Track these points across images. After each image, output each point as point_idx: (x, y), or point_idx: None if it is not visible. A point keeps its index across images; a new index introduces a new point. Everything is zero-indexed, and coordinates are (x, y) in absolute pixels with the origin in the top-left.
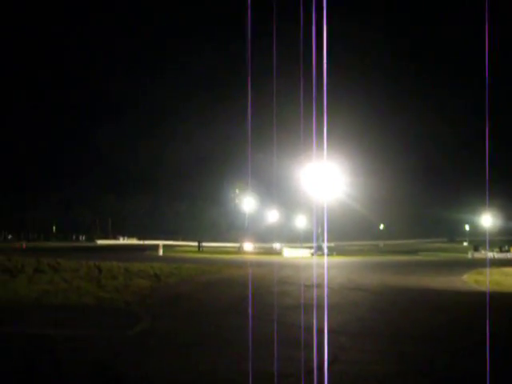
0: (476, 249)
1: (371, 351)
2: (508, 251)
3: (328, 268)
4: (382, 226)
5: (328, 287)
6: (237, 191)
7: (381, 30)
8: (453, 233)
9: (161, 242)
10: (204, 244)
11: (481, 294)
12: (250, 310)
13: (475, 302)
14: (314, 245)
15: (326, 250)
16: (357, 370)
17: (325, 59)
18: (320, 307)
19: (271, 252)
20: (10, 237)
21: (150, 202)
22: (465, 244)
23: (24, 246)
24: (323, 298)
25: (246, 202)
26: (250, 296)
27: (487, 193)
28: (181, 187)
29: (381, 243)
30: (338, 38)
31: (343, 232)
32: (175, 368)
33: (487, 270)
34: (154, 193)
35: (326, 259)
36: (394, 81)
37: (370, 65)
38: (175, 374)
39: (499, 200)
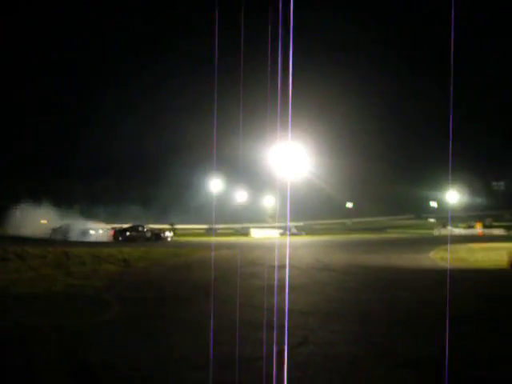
0: (444, 225)
1: (340, 332)
2: (473, 227)
3: (296, 248)
4: (350, 205)
5: (296, 267)
6: (206, 174)
7: (342, 4)
8: (420, 210)
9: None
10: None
11: (446, 271)
12: (218, 293)
13: (441, 279)
14: (283, 225)
15: (290, 231)
16: (326, 351)
17: (291, 39)
18: (289, 288)
19: (240, 233)
20: None
21: (116, 189)
22: (431, 221)
23: None
24: (292, 278)
25: (214, 184)
26: (218, 278)
27: (450, 169)
28: (148, 173)
29: (349, 221)
30: (304, 17)
31: (311, 211)
32: (140, 354)
33: (452, 247)
34: (120, 179)
35: (288, 239)
36: (359, 58)
37: (337, 43)
38: (139, 361)
39: (466, 175)
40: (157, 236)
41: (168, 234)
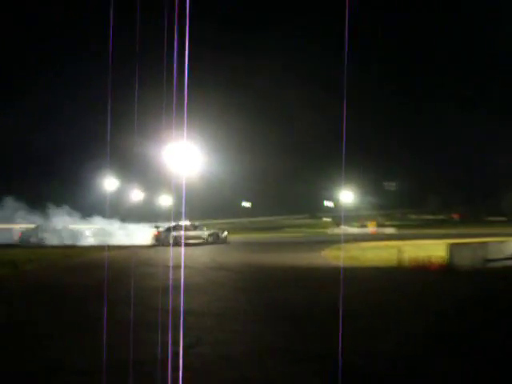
0: (337, 224)
1: (235, 331)
2: (366, 226)
3: (191, 248)
4: (247, 204)
5: (191, 267)
6: (100, 172)
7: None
8: (315, 209)
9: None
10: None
11: (338, 269)
12: (111, 295)
13: (333, 277)
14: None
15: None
16: (220, 351)
17: (187, 40)
18: (183, 288)
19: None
20: None
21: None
22: (326, 220)
23: None
24: (186, 278)
25: (109, 183)
26: (111, 279)
27: (343, 169)
28: (38, 171)
29: (245, 220)
30: (199, 15)
31: (208, 211)
32: (24, 361)
33: (345, 246)
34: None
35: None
36: (253, 56)
37: (232, 39)
38: (22, 367)
39: (359, 176)
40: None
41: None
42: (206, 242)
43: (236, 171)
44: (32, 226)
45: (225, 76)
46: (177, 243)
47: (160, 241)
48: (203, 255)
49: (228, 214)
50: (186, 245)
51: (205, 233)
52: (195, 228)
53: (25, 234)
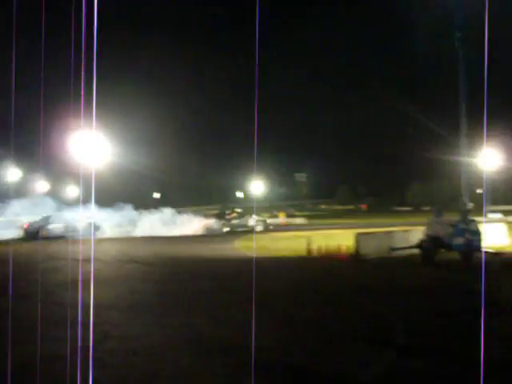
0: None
1: (144, 324)
2: (277, 217)
3: (101, 240)
4: (157, 195)
5: (101, 261)
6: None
7: None
8: (227, 200)
9: None
10: None
11: (249, 260)
12: (17, 291)
13: (244, 267)
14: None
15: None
16: (129, 345)
17: (95, 28)
18: (92, 282)
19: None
20: None
21: None
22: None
23: None
24: (95, 272)
25: (10, 173)
26: (15, 274)
27: (254, 159)
28: None
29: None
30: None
31: (117, 202)
32: None
33: (256, 236)
34: None
35: (93, 231)
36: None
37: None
38: None
39: (270, 167)
40: None
41: None
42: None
43: (148, 163)
44: None
45: (138, 69)
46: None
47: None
48: (113, 248)
49: (139, 206)
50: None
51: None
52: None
53: None
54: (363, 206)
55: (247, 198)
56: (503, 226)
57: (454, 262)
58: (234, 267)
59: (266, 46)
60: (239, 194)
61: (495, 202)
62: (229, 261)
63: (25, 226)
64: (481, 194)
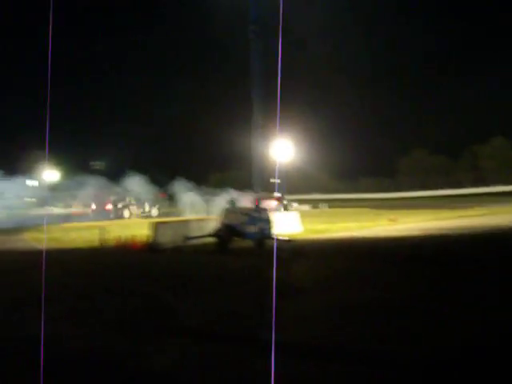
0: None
1: None
2: (71, 207)
3: None
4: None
5: None
6: None
7: None
8: None
9: None
10: None
11: (39, 252)
12: None
13: (33, 261)
14: None
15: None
16: None
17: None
18: None
19: None
20: None
21: None
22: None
23: None
24: None
25: None
26: None
27: (47, 146)
28: None
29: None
30: None
31: None
32: None
33: (48, 227)
34: None
35: None
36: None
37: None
38: None
39: (66, 155)
40: None
41: None
42: None
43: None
44: None
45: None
46: None
47: None
48: None
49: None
50: None
51: None
52: None
53: None
54: (162, 195)
55: (41, 186)
56: (297, 215)
57: (247, 249)
58: (19, 261)
59: None
60: (32, 183)
61: (289, 191)
62: (15, 255)
63: None
64: (274, 183)
